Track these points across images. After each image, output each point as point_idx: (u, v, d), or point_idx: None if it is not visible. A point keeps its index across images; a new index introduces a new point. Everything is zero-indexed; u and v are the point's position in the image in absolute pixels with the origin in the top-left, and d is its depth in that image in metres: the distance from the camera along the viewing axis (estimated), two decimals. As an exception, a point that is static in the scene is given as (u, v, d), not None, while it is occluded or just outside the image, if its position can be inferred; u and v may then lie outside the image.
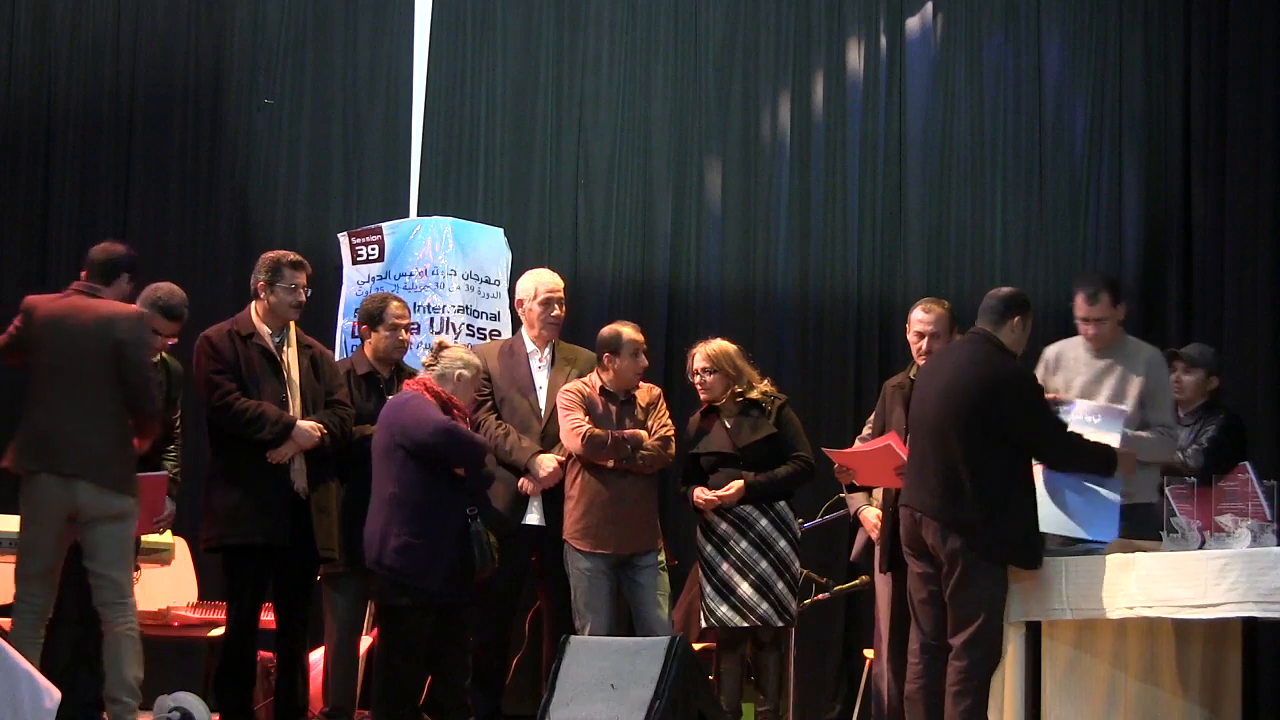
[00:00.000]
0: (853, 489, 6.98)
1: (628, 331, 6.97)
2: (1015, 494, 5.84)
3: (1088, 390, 6.32)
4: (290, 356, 6.66)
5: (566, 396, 6.90)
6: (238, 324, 6.67)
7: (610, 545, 6.78)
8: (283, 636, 6.68)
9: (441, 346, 6.67)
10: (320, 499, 6.60)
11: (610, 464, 6.79)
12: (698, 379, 7.00)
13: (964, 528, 5.81)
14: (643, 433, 6.86)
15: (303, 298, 6.71)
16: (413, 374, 7.00)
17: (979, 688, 5.81)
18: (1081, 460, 5.96)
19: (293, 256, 6.75)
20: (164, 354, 6.65)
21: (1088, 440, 5.96)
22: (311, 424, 6.55)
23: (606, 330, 7.03)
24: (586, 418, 6.82)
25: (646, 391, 7.03)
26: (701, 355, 6.99)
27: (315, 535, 6.53)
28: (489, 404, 7.02)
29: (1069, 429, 5.99)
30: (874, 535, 6.82)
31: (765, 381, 7.06)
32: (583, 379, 7.02)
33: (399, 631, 6.45)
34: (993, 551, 5.81)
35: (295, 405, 6.58)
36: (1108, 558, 5.78)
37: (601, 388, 6.94)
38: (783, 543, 6.86)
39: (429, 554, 6.34)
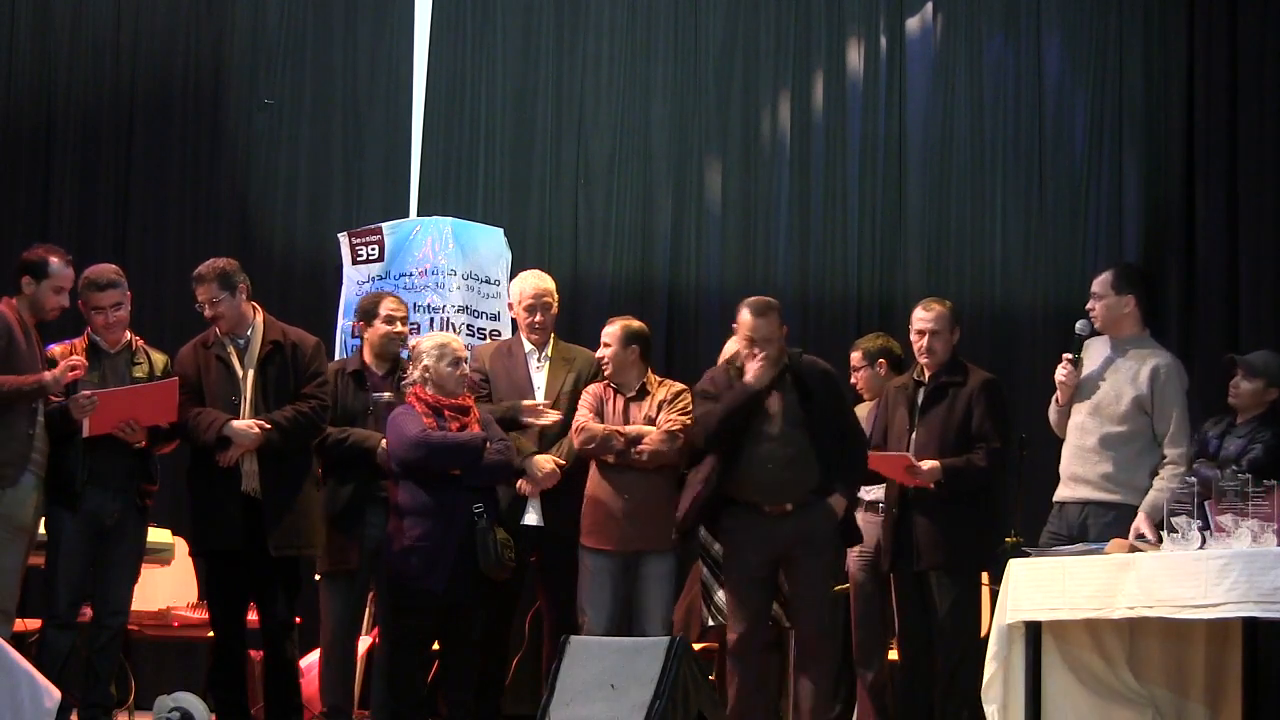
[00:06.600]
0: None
1: (614, 325, 6.90)
2: None
3: (1092, 379, 6.44)
4: (249, 357, 6.57)
5: (584, 396, 6.88)
6: (208, 333, 6.66)
7: (615, 542, 6.73)
8: (263, 637, 6.67)
9: (413, 350, 6.67)
10: (280, 497, 6.47)
11: (610, 459, 6.78)
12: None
13: None
14: (645, 428, 6.80)
15: (205, 312, 6.60)
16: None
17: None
18: None
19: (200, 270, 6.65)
20: (145, 346, 6.63)
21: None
22: (248, 423, 6.44)
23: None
24: (592, 415, 6.81)
25: (666, 388, 6.93)
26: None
27: (267, 535, 6.41)
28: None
29: None
30: None
31: None
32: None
33: (402, 632, 6.48)
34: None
35: (245, 407, 6.50)
36: (1108, 558, 5.78)
37: (606, 383, 6.92)
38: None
39: (431, 556, 6.35)
